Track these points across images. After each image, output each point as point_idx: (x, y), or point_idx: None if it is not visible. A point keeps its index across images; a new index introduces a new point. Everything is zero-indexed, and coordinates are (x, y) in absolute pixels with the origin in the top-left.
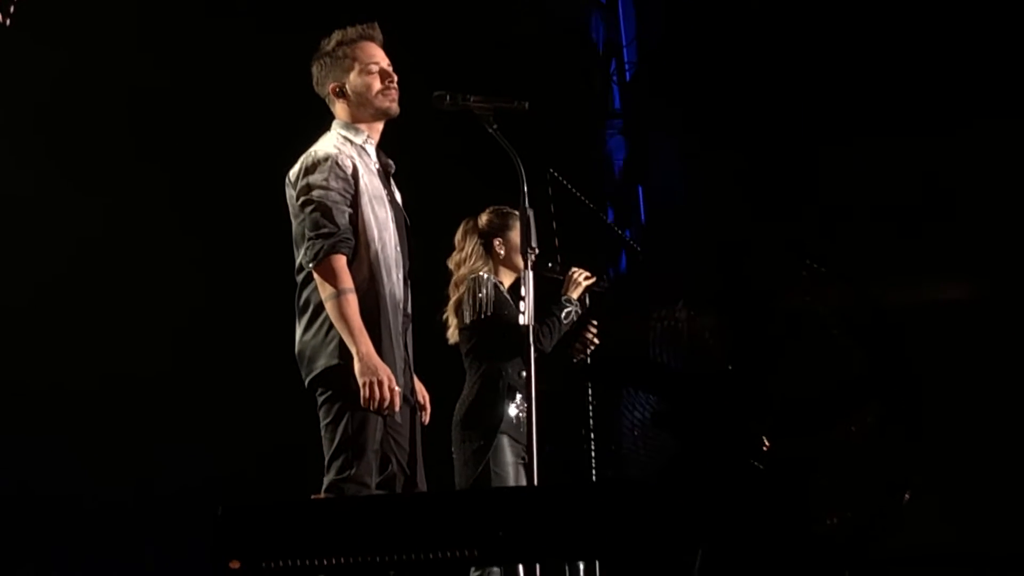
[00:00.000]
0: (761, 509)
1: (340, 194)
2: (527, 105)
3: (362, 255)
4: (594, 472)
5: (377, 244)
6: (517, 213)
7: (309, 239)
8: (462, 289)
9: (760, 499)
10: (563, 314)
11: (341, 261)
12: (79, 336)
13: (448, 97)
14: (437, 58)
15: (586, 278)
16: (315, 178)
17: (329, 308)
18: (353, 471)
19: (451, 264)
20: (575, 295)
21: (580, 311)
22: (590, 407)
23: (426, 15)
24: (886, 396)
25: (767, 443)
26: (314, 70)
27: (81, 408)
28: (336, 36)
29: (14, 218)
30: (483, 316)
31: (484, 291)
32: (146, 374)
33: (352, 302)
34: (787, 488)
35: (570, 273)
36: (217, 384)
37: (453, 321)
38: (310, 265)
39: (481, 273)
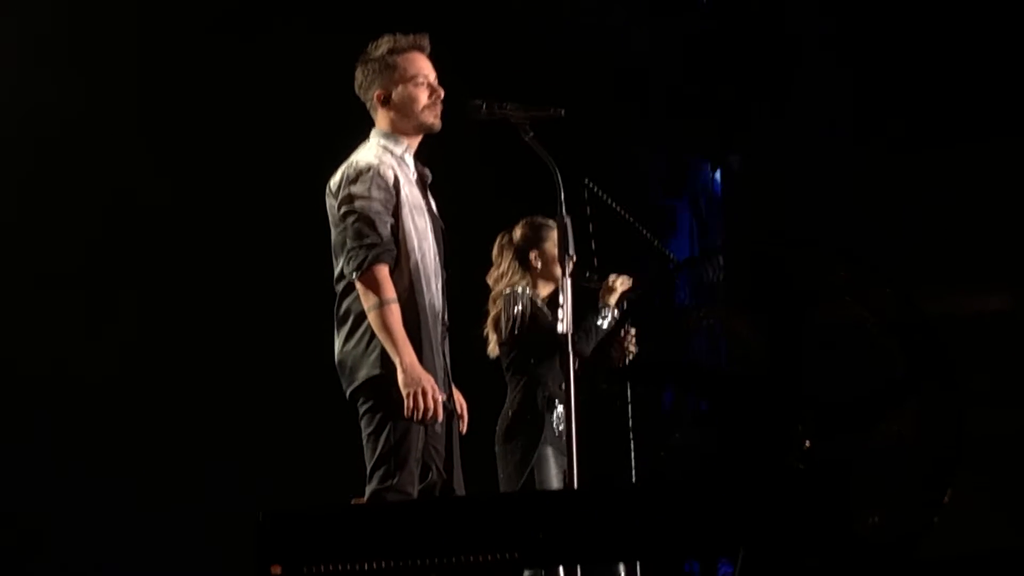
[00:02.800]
0: (802, 510)
1: (382, 204)
2: (563, 112)
3: (403, 265)
4: (634, 474)
5: (417, 254)
6: (551, 224)
7: (351, 249)
8: (499, 305)
9: (801, 500)
10: (599, 320)
11: (384, 271)
12: (122, 344)
13: (484, 105)
14: (470, 66)
15: (622, 284)
16: (357, 188)
17: (372, 318)
18: (395, 480)
19: (489, 280)
20: (612, 302)
21: (617, 318)
22: (628, 410)
23: (461, 22)
24: (927, 395)
25: (807, 443)
26: (358, 73)
27: (118, 416)
28: (386, 43)
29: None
30: (519, 331)
31: (519, 306)
32: (186, 385)
33: (395, 312)
34: (828, 488)
35: (606, 281)
36: (252, 393)
37: (492, 336)
38: (353, 275)
39: (516, 288)
